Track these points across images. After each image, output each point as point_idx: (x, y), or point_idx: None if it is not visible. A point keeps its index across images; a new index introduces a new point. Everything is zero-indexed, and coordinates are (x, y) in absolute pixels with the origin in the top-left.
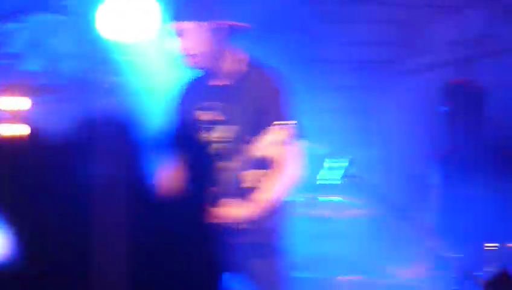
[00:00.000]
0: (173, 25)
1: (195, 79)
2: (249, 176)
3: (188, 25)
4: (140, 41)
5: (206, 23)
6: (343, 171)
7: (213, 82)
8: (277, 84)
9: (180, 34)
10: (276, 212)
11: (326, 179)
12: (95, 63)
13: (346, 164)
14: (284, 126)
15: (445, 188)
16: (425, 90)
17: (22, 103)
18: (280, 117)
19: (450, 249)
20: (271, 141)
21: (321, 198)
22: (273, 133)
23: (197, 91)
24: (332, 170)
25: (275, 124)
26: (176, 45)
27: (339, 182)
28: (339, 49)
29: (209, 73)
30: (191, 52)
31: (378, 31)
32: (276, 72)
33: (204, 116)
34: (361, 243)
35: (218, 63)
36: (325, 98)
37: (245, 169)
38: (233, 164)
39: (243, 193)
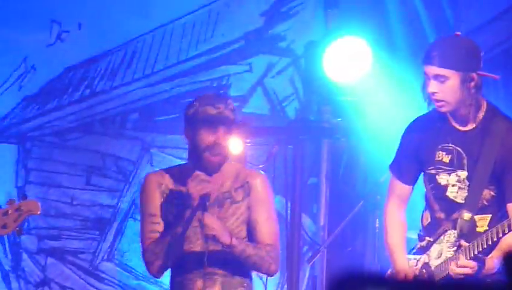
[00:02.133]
0: (427, 68)
1: (437, 118)
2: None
3: (441, 71)
4: (361, 81)
5: (458, 71)
6: None
7: (456, 125)
8: None
9: (432, 78)
10: None
11: None
12: (319, 104)
13: None
14: None
15: None
16: None
17: (242, 145)
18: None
19: None
20: None
21: None
22: None
23: (439, 131)
24: None
25: None
26: (428, 88)
27: None
28: None
29: (453, 116)
30: (440, 98)
31: None
32: None
33: (445, 158)
34: None
35: (466, 109)
36: None
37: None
38: (467, 212)
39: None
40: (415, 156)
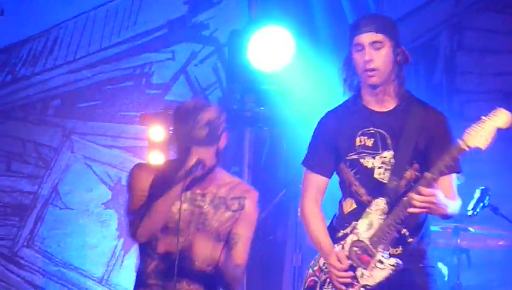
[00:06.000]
0: (362, 37)
1: (353, 106)
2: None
3: (378, 37)
4: (284, 70)
5: (391, 40)
6: (477, 201)
7: (375, 108)
8: (445, 123)
9: (369, 45)
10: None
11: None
12: (242, 93)
13: (480, 193)
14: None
15: None
16: None
17: (165, 133)
18: (450, 158)
19: None
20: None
21: (459, 228)
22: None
23: (357, 117)
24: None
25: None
26: (357, 58)
27: (474, 212)
28: (479, 79)
29: (373, 96)
30: (375, 66)
31: None
32: (441, 111)
33: (367, 141)
34: (498, 274)
35: (389, 87)
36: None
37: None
38: (395, 191)
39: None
40: (330, 148)
